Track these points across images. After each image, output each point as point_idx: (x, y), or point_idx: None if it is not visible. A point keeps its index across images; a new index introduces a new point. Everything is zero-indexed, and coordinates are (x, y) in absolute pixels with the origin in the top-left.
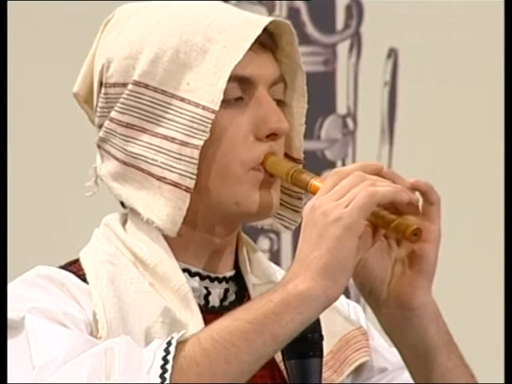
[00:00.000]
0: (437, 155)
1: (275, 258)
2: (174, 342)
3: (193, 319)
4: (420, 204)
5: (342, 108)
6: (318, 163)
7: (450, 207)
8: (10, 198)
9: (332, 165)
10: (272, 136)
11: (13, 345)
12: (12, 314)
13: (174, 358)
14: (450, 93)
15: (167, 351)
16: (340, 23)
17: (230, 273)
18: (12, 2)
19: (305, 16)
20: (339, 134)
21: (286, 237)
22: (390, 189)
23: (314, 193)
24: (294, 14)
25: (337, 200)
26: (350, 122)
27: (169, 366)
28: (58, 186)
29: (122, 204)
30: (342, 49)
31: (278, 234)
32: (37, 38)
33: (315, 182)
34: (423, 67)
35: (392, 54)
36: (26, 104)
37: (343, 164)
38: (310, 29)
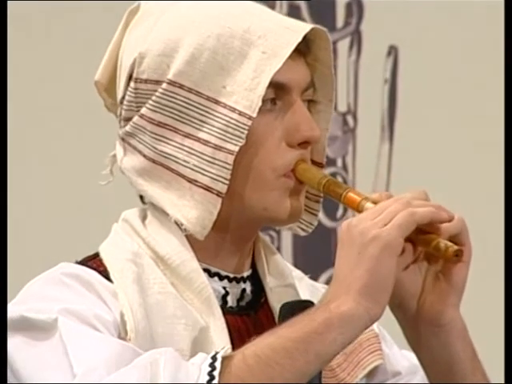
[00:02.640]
0: (437, 153)
1: None
2: (219, 358)
3: (215, 322)
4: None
5: (342, 105)
6: None
7: (449, 206)
8: (12, 194)
9: (332, 162)
10: (304, 144)
11: (44, 348)
12: (42, 314)
13: (220, 373)
14: (450, 90)
15: (213, 366)
16: (340, 21)
17: (247, 272)
18: (12, 2)
19: (305, 13)
20: (339, 132)
21: (286, 234)
22: (429, 209)
23: (348, 205)
24: (294, 11)
25: (374, 219)
26: (350, 119)
27: (215, 382)
28: (62, 180)
29: (141, 199)
30: (342, 46)
31: (278, 231)
32: (36, 36)
33: (350, 194)
34: (423, 65)
35: (392, 51)
36: (35, 97)
37: (343, 161)
38: None
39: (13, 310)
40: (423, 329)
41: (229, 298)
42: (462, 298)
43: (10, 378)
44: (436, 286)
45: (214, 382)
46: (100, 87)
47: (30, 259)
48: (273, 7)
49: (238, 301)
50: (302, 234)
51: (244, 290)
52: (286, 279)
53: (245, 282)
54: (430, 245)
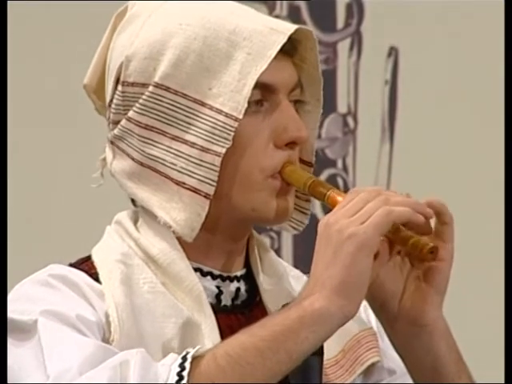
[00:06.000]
0: (437, 154)
1: None
2: (189, 358)
3: (205, 320)
4: (433, 223)
5: (342, 107)
6: (319, 162)
7: (450, 207)
8: (14, 193)
9: (332, 163)
10: (291, 144)
11: (24, 349)
12: (23, 316)
13: (189, 373)
14: (450, 91)
15: (182, 367)
16: (341, 22)
17: (240, 271)
18: (12, 2)
19: (305, 14)
20: (340, 133)
21: (287, 235)
22: (406, 209)
23: (331, 205)
24: (294, 12)
25: (351, 216)
26: (350, 120)
27: (184, 382)
28: (57, 183)
29: (133, 201)
30: (343, 47)
31: (278, 232)
32: (36, 36)
33: (333, 194)
34: (423, 66)
35: (392, 52)
36: (34, 99)
37: (343, 163)
38: (311, 27)
39: None
40: (405, 330)
41: (223, 297)
42: (462, 298)
43: None
44: (417, 287)
45: (182, 382)
46: (89, 90)
47: (24, 261)
48: (273, 8)
49: (233, 300)
50: (293, 232)
51: (238, 289)
52: (281, 278)
53: (238, 280)
54: (406, 243)
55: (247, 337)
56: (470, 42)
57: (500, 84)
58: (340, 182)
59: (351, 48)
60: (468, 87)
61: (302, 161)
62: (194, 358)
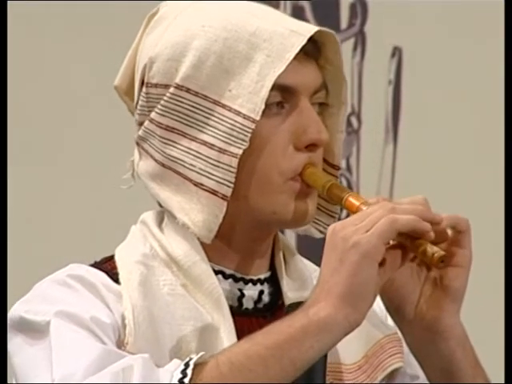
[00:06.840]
0: (441, 154)
1: None
2: (191, 365)
3: (224, 323)
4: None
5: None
6: None
7: (452, 207)
8: (14, 193)
9: None
10: (311, 146)
11: (36, 349)
12: (38, 316)
13: (191, 380)
14: (454, 92)
15: (184, 373)
16: (344, 22)
17: (264, 274)
18: (12, 2)
19: (309, 15)
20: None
21: (290, 235)
22: (411, 217)
23: (348, 208)
24: (298, 12)
25: (357, 224)
26: (354, 120)
27: None
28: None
29: (159, 202)
30: (347, 47)
31: (282, 232)
32: (37, 37)
33: (350, 198)
34: (427, 66)
35: (396, 52)
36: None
37: (347, 163)
38: None
39: (17, 308)
40: (420, 335)
41: (244, 300)
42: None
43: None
44: (433, 293)
45: None
46: (120, 92)
47: (24, 261)
48: (277, 8)
49: (256, 303)
50: (318, 235)
51: (262, 292)
52: (305, 282)
53: (262, 283)
54: (417, 250)
55: (251, 345)
56: (473, 42)
57: (502, 83)
58: (344, 181)
59: (355, 48)
60: (471, 87)
61: (329, 164)
62: (197, 365)
